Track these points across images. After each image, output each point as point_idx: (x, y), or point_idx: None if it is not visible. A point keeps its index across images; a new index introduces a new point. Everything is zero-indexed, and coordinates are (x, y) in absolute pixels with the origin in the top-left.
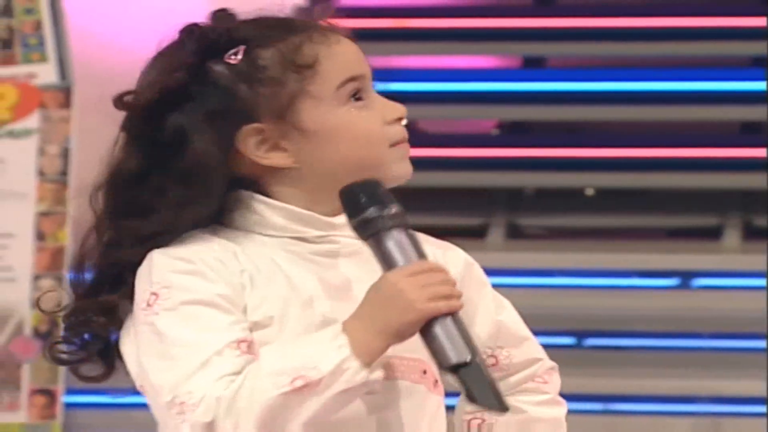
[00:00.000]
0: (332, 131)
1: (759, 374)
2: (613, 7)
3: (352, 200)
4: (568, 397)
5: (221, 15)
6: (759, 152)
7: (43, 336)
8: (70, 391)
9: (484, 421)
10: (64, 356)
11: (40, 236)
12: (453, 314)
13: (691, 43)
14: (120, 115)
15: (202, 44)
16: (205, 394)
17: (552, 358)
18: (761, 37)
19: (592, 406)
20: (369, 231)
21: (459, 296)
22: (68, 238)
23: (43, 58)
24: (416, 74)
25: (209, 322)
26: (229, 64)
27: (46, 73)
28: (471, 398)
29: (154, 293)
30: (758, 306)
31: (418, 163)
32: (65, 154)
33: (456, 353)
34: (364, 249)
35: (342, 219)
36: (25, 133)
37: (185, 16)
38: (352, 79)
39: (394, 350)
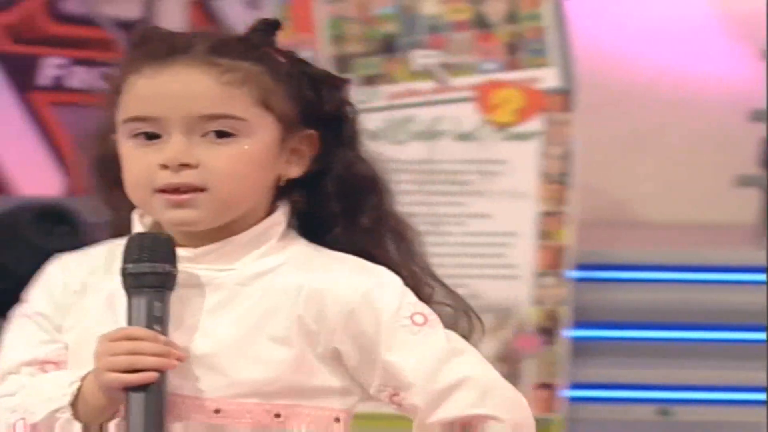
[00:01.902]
0: (122, 161)
1: None
2: None
3: (125, 249)
4: None
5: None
6: None
7: (546, 332)
8: (575, 386)
9: None
10: None
11: (542, 235)
12: (145, 386)
13: None
14: (620, 120)
15: (137, 44)
16: None
17: None
18: None
19: None
20: (124, 284)
21: (146, 368)
22: (568, 238)
23: (546, 63)
24: None
25: (24, 337)
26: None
27: (548, 78)
28: None
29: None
30: None
31: None
32: (567, 156)
33: (127, 426)
34: (224, 283)
35: (198, 250)
36: (529, 135)
37: (689, 27)
38: (135, 119)
39: (181, 389)
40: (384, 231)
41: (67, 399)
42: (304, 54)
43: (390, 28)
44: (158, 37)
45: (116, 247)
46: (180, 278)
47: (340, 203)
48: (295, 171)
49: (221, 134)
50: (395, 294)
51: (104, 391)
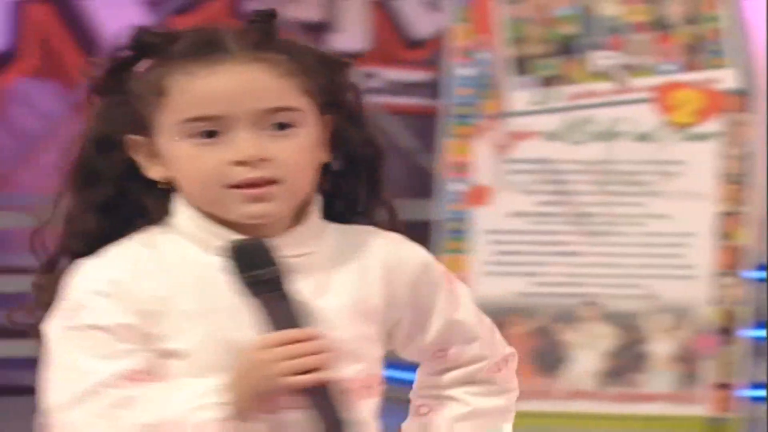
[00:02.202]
0: (175, 162)
1: None
2: None
3: (237, 257)
4: None
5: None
6: None
7: (724, 331)
8: (755, 386)
9: (431, 409)
10: (20, 321)
11: (721, 235)
12: (324, 383)
13: None
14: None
15: (133, 45)
16: (83, 428)
17: None
18: None
19: None
20: (251, 291)
21: (328, 366)
22: (747, 238)
23: (724, 64)
24: None
25: (107, 350)
26: (134, 74)
27: (727, 79)
28: None
29: (70, 308)
30: None
31: None
32: (746, 157)
33: (320, 421)
34: (306, 267)
35: (276, 241)
36: (708, 136)
37: None
38: (197, 119)
39: None
40: (386, 205)
41: (225, 410)
42: (484, 55)
43: (569, 29)
44: (167, 37)
45: (148, 247)
46: None
47: (364, 181)
48: (325, 155)
49: (281, 126)
50: (433, 260)
51: (264, 397)
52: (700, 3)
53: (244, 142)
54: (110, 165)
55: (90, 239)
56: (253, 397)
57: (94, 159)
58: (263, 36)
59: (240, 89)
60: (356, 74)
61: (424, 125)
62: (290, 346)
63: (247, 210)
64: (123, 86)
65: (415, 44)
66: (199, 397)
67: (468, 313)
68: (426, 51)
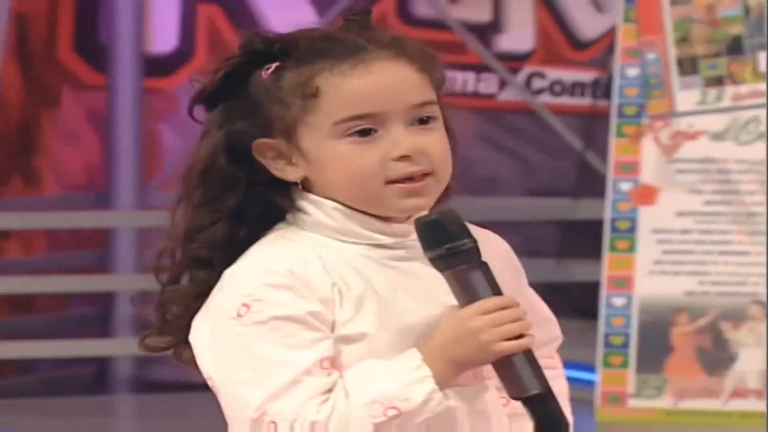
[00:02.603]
0: (327, 162)
1: None
2: None
3: (430, 232)
4: None
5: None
6: None
7: None
8: None
9: (508, 401)
10: (154, 345)
11: None
12: (530, 348)
13: None
14: None
15: (246, 51)
16: (298, 416)
17: None
18: None
19: None
20: (446, 264)
21: (529, 332)
22: None
23: None
24: None
25: (298, 339)
26: (260, 77)
27: None
28: (538, 426)
29: (245, 304)
30: None
31: None
32: None
33: (525, 387)
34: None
35: (404, 226)
36: None
37: None
38: (356, 117)
39: None
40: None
41: (432, 382)
42: (650, 56)
43: (736, 29)
44: (278, 42)
45: (294, 242)
46: (409, 251)
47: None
48: None
49: (423, 120)
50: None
51: (471, 365)
52: None
53: (404, 137)
54: (240, 171)
55: (218, 247)
56: (461, 366)
57: (224, 167)
58: (386, 33)
59: (393, 86)
60: (524, 74)
61: (592, 125)
62: (499, 313)
63: (404, 204)
64: (240, 93)
65: (582, 44)
66: (408, 371)
67: (537, 296)
68: (593, 51)
